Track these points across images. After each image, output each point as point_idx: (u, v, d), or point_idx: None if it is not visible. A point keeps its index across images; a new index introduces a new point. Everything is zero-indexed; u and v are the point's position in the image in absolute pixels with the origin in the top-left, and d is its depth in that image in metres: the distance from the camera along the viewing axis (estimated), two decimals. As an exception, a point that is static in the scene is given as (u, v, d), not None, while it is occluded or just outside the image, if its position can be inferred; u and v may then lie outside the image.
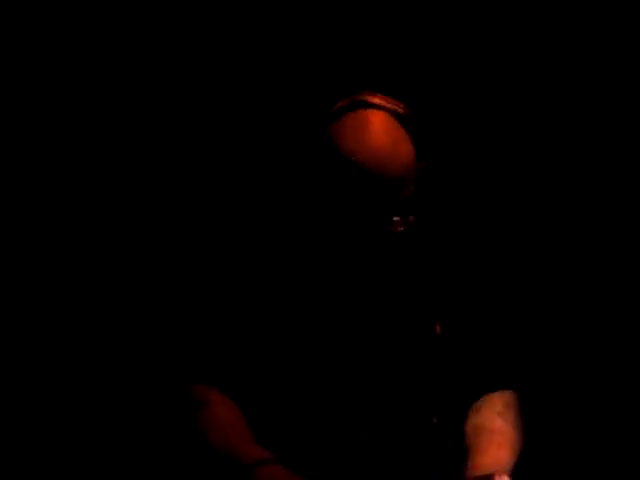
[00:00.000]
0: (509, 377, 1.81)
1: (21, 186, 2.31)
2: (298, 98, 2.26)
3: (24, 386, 2.26)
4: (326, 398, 1.73)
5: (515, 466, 1.65)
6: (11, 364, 2.26)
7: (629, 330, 2.30)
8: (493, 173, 2.36)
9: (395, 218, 1.67)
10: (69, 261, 2.29)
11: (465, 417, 1.74)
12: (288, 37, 2.31)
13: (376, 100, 1.73)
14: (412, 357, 1.75)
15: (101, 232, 2.31)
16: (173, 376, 1.81)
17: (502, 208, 2.36)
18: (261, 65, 2.31)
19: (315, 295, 1.75)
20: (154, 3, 2.33)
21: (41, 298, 2.28)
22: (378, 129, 1.68)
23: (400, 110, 1.72)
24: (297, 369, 1.73)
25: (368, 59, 2.28)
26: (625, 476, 2.16)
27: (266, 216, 1.91)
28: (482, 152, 2.36)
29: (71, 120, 2.33)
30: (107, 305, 2.27)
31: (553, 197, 2.38)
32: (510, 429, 1.72)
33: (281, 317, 1.75)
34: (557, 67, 2.37)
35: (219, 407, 1.73)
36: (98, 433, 2.23)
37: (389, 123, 1.70)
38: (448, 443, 1.74)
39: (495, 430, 1.70)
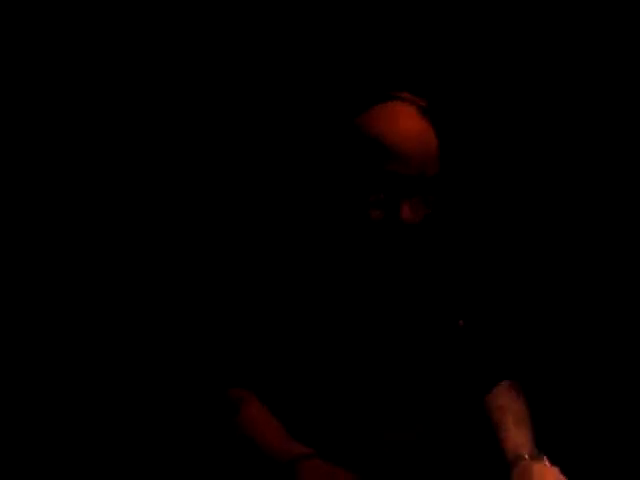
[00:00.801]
0: (517, 368, 1.94)
1: (22, 186, 2.33)
2: (319, 95, 2.32)
3: (46, 396, 2.30)
4: (353, 392, 1.79)
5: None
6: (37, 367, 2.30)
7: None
8: (511, 170, 2.43)
9: (421, 197, 1.75)
10: (98, 264, 2.33)
11: (483, 401, 1.87)
12: (307, 35, 2.37)
13: (402, 94, 1.84)
14: (436, 349, 1.84)
15: (131, 235, 2.35)
16: (205, 381, 1.86)
17: (516, 207, 2.44)
18: (279, 63, 2.37)
19: (342, 289, 1.82)
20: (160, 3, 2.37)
21: (64, 301, 2.32)
22: (406, 115, 1.79)
23: (423, 104, 1.83)
24: (325, 366, 1.79)
25: (384, 56, 2.36)
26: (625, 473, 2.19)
27: (294, 213, 1.97)
28: (499, 148, 2.43)
29: (72, 120, 2.36)
30: (140, 309, 2.31)
31: (567, 192, 2.45)
32: (527, 411, 1.86)
33: (309, 316, 1.81)
34: (561, 62, 2.45)
35: (252, 408, 1.78)
36: (131, 435, 2.27)
37: (415, 112, 1.81)
38: (466, 427, 1.87)
39: (518, 410, 1.85)
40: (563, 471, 1.72)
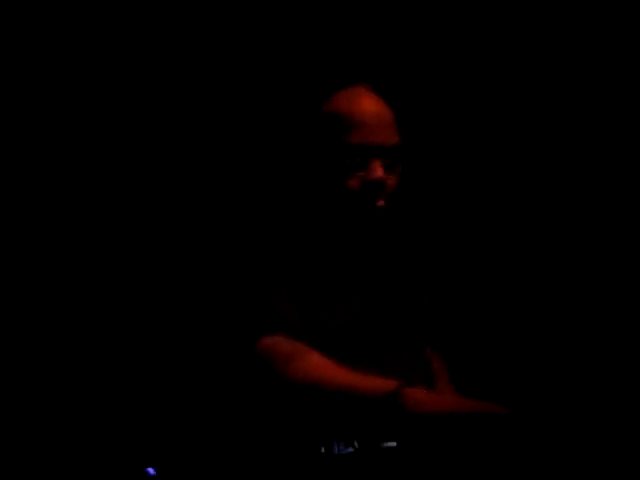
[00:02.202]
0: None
1: (22, 186, 2.36)
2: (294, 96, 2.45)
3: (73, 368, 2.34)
4: (358, 329, 1.99)
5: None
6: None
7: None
8: (477, 150, 2.59)
9: (387, 160, 2.00)
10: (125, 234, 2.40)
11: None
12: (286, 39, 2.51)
13: (363, 83, 2.10)
14: (408, 309, 2.12)
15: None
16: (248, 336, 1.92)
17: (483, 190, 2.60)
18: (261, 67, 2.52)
19: (336, 250, 2.06)
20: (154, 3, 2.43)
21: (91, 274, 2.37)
22: (364, 95, 2.06)
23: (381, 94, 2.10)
24: (331, 306, 1.99)
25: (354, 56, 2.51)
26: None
27: (289, 191, 2.16)
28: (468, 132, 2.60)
29: (72, 120, 2.39)
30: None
31: (536, 169, 2.57)
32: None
33: (313, 270, 2.03)
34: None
35: (314, 353, 1.87)
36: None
37: (371, 93, 2.07)
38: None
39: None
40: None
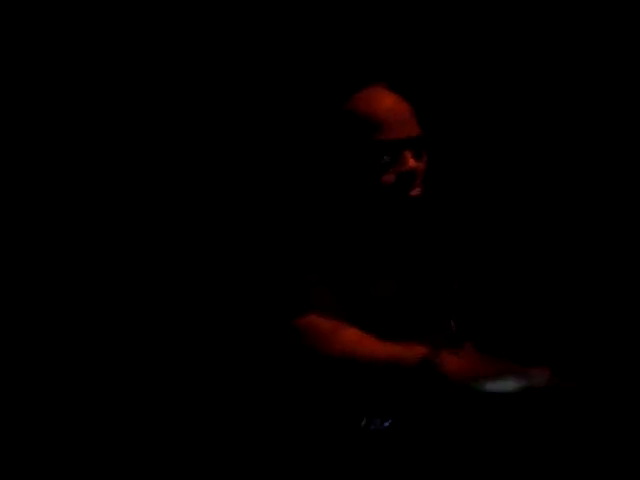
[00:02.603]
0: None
1: (22, 186, 2.36)
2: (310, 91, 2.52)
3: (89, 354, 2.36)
4: (390, 310, 2.11)
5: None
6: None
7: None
8: (505, 145, 2.64)
9: (413, 151, 2.10)
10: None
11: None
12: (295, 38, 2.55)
13: (377, 84, 2.21)
14: (439, 296, 2.23)
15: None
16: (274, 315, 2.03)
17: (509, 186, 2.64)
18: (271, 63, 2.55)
19: (373, 242, 2.15)
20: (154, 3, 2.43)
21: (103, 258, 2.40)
22: (383, 94, 2.16)
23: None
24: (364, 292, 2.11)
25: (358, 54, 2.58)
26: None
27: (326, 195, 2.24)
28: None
29: (72, 120, 2.40)
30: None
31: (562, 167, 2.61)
32: None
33: (349, 258, 2.14)
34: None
35: (352, 328, 1.99)
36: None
37: (389, 91, 2.18)
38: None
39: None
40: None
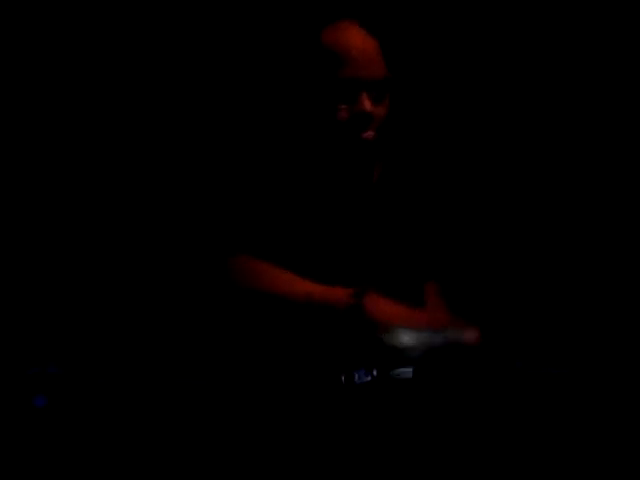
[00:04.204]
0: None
1: (22, 186, 2.38)
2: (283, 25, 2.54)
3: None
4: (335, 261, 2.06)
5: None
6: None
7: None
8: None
9: (374, 92, 2.06)
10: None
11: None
12: None
13: (347, 19, 2.14)
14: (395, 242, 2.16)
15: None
16: (208, 251, 2.04)
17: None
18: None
19: (325, 181, 2.11)
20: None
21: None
22: (353, 26, 2.11)
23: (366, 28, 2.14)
24: (308, 239, 2.07)
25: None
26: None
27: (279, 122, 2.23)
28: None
29: (72, 120, 2.42)
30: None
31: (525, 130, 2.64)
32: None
33: (296, 205, 2.09)
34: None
35: (277, 268, 2.00)
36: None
37: (358, 27, 2.11)
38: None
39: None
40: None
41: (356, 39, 2.08)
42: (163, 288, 2.41)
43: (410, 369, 1.85)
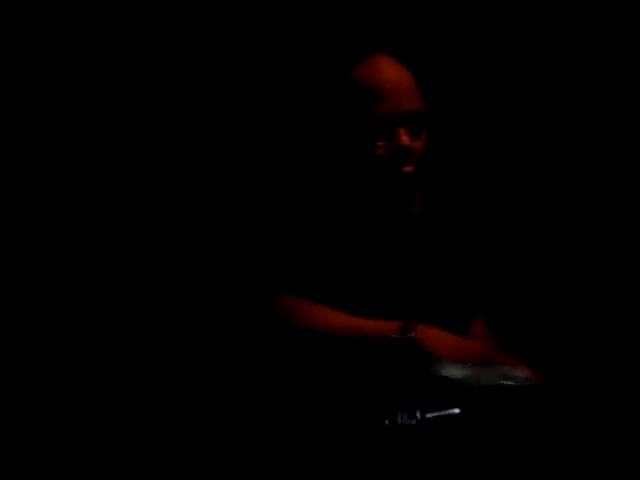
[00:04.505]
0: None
1: (22, 186, 2.36)
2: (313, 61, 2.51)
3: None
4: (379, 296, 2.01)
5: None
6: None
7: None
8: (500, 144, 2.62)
9: (412, 125, 2.02)
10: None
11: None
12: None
13: (383, 51, 2.11)
14: (440, 276, 2.12)
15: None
16: (255, 293, 2.01)
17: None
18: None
19: (364, 217, 2.08)
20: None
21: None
22: (387, 60, 2.08)
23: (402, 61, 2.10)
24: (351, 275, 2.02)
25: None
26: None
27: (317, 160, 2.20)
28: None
29: (72, 120, 2.40)
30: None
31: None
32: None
33: (339, 242, 2.05)
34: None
35: (320, 306, 1.96)
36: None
37: (392, 61, 2.08)
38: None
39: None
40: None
41: (390, 73, 2.06)
42: (209, 329, 2.39)
43: (457, 410, 1.76)
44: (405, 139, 2.01)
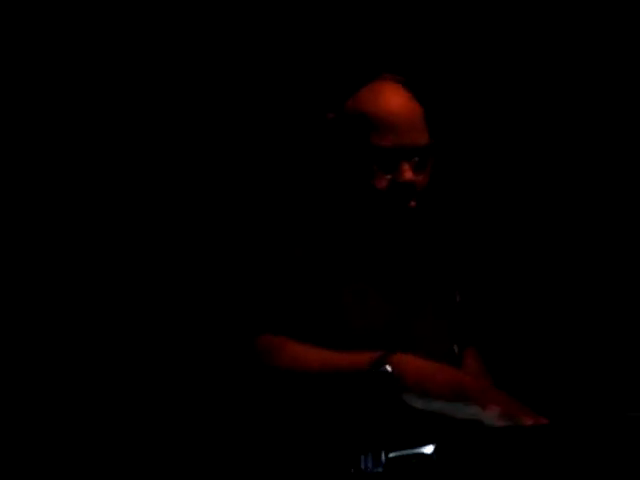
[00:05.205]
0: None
1: (22, 186, 2.36)
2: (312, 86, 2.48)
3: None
4: (372, 335, 1.90)
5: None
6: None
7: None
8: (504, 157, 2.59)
9: (416, 159, 1.92)
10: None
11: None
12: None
13: (383, 75, 2.01)
14: (437, 308, 2.04)
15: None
16: (238, 332, 1.92)
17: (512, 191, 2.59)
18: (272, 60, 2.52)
19: (359, 249, 1.99)
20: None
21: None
22: (393, 88, 1.97)
23: (402, 80, 2.01)
24: (341, 312, 1.92)
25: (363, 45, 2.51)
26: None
27: (314, 190, 2.12)
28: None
29: (72, 120, 2.39)
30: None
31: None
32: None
33: (330, 271, 1.96)
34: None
35: (297, 344, 1.86)
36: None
37: (398, 88, 1.98)
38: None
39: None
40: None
41: (397, 103, 1.95)
42: (189, 365, 2.37)
43: (431, 447, 1.60)
44: (408, 174, 1.91)
